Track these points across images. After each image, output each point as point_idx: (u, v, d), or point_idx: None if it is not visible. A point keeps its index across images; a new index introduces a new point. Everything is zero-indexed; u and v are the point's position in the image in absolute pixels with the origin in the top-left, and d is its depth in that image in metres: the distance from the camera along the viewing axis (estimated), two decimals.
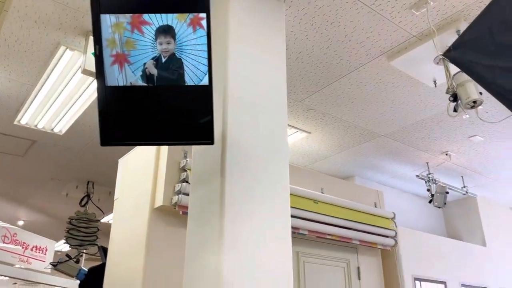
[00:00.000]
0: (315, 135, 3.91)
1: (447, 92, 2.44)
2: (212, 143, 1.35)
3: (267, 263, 1.61)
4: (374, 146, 4.00)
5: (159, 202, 2.58)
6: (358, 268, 3.76)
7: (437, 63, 2.62)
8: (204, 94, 1.25)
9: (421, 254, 4.20)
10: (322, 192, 3.63)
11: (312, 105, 3.35)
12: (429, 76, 2.82)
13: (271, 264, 1.62)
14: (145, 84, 1.24)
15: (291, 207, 3.24)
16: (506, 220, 5.56)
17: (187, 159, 2.67)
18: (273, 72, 1.96)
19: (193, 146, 1.88)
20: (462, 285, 4.44)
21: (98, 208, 4.56)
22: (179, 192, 2.57)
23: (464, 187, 4.53)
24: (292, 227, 3.25)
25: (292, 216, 3.26)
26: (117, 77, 1.25)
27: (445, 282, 4.26)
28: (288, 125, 3.68)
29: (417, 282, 4.02)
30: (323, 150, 4.17)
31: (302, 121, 3.64)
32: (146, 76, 1.23)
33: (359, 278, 3.73)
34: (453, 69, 2.45)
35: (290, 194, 3.26)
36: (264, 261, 1.60)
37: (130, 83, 1.24)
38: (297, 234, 3.30)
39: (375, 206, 4.02)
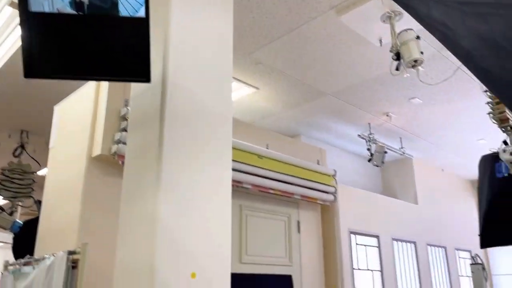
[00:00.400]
0: (263, 91, 3.88)
1: (391, 51, 2.49)
2: (148, 81, 1.28)
3: (204, 209, 1.60)
4: (320, 104, 4.05)
5: (97, 151, 2.48)
6: (298, 222, 3.90)
7: (384, 21, 2.65)
8: (140, 27, 1.17)
9: (358, 210, 4.41)
10: (267, 148, 3.66)
11: (260, 58, 3.31)
12: (375, 35, 2.86)
13: (209, 210, 1.61)
14: (75, 12, 1.13)
15: (235, 161, 3.25)
16: (438, 181, 5.96)
17: (128, 107, 2.56)
18: (219, 19, 1.88)
19: (132, 90, 1.79)
20: (393, 239, 4.75)
21: (34, 159, 4.33)
22: (118, 142, 2.48)
23: (402, 148, 4.76)
24: (236, 181, 3.27)
25: (236, 170, 3.27)
26: (42, 2, 1.13)
27: (378, 236, 4.53)
28: (236, 79, 3.62)
29: (352, 236, 4.24)
30: (270, 107, 4.18)
31: (250, 75, 3.60)
32: (76, 2, 1.13)
33: (298, 232, 3.87)
34: (399, 27, 2.49)
35: (235, 148, 3.24)
36: (202, 207, 1.59)
37: (57, 9, 1.13)
38: (240, 188, 3.33)
39: (318, 164, 4.13)
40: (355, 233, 4.28)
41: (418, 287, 4.88)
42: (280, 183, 3.58)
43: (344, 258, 4.02)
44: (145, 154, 1.60)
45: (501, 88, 1.07)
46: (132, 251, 1.54)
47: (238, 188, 3.34)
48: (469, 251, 6.03)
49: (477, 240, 3.08)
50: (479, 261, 3.30)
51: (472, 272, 3.31)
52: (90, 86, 2.68)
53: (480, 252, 6.25)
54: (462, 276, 5.76)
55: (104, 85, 2.59)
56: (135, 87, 1.76)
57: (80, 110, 2.71)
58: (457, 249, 5.81)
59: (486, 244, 3.06)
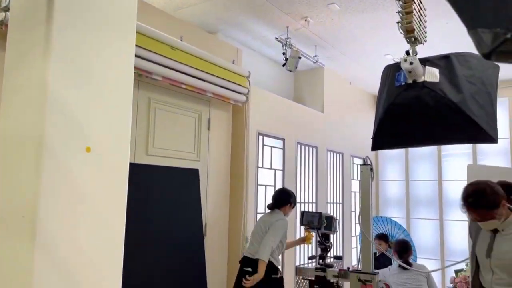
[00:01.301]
0: None
1: None
2: None
3: (102, 85, 1.50)
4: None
5: None
6: (209, 120, 3.92)
7: None
8: None
9: (268, 113, 4.54)
10: (181, 40, 3.49)
11: None
12: None
13: (107, 87, 1.52)
14: None
15: (144, 49, 3.05)
16: (344, 93, 6.29)
17: None
18: None
19: None
20: (298, 142, 5.04)
21: None
22: (6, 9, 2.17)
23: (316, 56, 4.85)
24: (145, 71, 3.12)
25: (146, 59, 3.10)
26: None
27: (284, 138, 4.76)
28: None
29: (260, 137, 4.41)
30: None
31: None
32: None
33: (208, 129, 3.91)
34: None
35: (145, 36, 3.03)
36: (100, 82, 1.49)
37: None
38: (150, 79, 3.20)
39: (233, 63, 4.07)
40: (263, 135, 4.44)
41: (314, 186, 5.35)
42: (192, 78, 3.50)
43: (250, 157, 4.20)
44: (32, 16, 1.41)
45: None
46: (17, 122, 1.42)
47: (147, 79, 3.20)
48: (362, 158, 6.67)
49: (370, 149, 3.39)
50: (369, 163, 3.66)
51: (361, 171, 3.68)
52: None
53: (373, 160, 6.95)
54: (353, 179, 6.42)
55: None
56: None
57: None
58: (353, 156, 6.38)
59: (376, 147, 3.37)
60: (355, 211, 6.40)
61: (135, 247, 2.90)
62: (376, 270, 4.68)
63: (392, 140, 3.30)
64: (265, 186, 4.45)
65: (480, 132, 2.83)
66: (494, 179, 4.20)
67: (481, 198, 2.17)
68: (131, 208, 3.03)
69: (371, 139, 3.33)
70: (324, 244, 3.80)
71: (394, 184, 7.03)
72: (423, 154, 6.82)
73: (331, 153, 5.78)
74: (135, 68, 3.02)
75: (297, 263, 4.88)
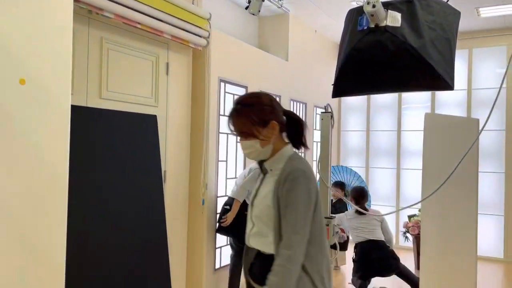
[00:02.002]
0: None
1: None
2: None
3: (37, 16, 1.35)
4: None
5: None
6: (167, 63, 3.76)
7: None
8: None
9: (230, 59, 4.41)
10: None
11: None
12: None
13: (42, 19, 1.38)
14: None
15: None
16: (310, 41, 6.19)
17: None
18: None
19: None
20: (261, 90, 4.97)
21: None
22: None
23: (280, 0, 4.69)
24: (96, 7, 2.89)
25: None
26: None
27: (246, 86, 4.68)
28: None
29: (222, 84, 4.30)
30: None
31: None
32: None
33: (167, 74, 3.76)
34: None
35: None
36: (32, 12, 1.34)
37: None
38: (100, 16, 2.98)
39: (193, 3, 3.87)
40: (225, 82, 4.33)
41: None
42: (149, 18, 3.30)
43: (211, 104, 4.10)
44: None
45: None
46: None
47: (98, 16, 2.99)
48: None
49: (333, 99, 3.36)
50: (329, 110, 3.66)
51: (321, 119, 3.68)
52: None
53: (335, 111, 7.00)
54: (316, 130, 6.48)
55: None
56: None
57: None
58: (316, 106, 6.40)
59: (337, 93, 3.35)
60: (317, 161, 6.51)
61: (89, 194, 2.83)
62: (333, 215, 4.84)
63: (353, 87, 3.29)
64: (227, 134, 4.40)
65: (438, 78, 2.85)
66: (451, 128, 4.34)
67: (249, 105, 1.72)
68: (85, 154, 2.94)
69: (332, 86, 3.30)
70: None
71: (356, 135, 7.16)
72: (384, 105, 6.93)
73: (295, 103, 5.76)
74: (84, 3, 2.80)
75: None
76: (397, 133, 6.77)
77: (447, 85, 2.94)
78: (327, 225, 3.53)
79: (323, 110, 3.72)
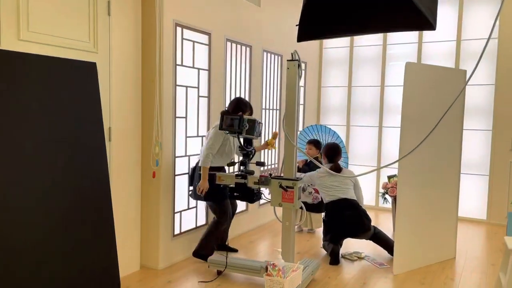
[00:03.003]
0: None
1: None
2: None
3: None
4: None
5: None
6: (109, 2, 3.22)
7: None
8: None
9: (188, 1, 3.86)
10: None
11: None
12: None
13: None
14: None
15: None
16: None
17: None
18: None
19: None
20: (228, 39, 4.45)
21: None
22: None
23: None
24: None
25: None
26: None
27: (210, 33, 4.15)
28: None
29: (179, 29, 3.77)
30: None
31: None
32: None
33: (109, 14, 3.23)
34: None
35: None
36: None
37: None
38: None
39: None
40: (182, 26, 3.80)
41: (248, 90, 4.89)
42: None
43: (165, 52, 3.60)
44: None
45: None
46: None
47: None
48: (305, 63, 6.21)
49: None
50: (296, 58, 3.19)
51: (287, 68, 3.22)
52: None
53: (315, 65, 6.51)
54: None
55: None
56: None
57: None
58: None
59: (303, 36, 2.88)
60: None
61: (11, 156, 2.38)
62: (303, 174, 4.48)
63: (322, 27, 2.81)
64: (186, 87, 3.93)
65: (419, 16, 2.39)
66: (435, 79, 3.90)
67: None
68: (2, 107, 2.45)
69: (297, 27, 2.82)
70: (246, 150, 3.44)
71: (337, 91, 6.71)
72: (367, 58, 6.45)
73: (269, 54, 5.25)
74: None
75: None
76: (380, 88, 6.34)
77: (429, 25, 2.49)
78: (292, 187, 3.16)
79: (290, 58, 3.25)
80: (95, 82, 3.02)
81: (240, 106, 3.78)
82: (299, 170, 4.96)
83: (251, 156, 3.47)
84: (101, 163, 2.95)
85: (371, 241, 4.10)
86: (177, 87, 3.78)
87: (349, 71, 6.57)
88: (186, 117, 3.94)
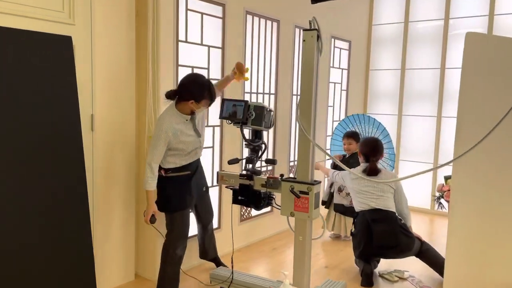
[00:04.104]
0: None
1: None
2: None
3: None
4: None
5: None
6: None
7: None
8: None
9: None
10: None
11: None
12: None
13: None
14: None
15: None
16: None
17: None
18: None
19: None
20: (248, 11, 3.79)
21: None
22: None
23: None
24: None
25: None
26: None
27: (224, 4, 3.51)
28: None
29: None
30: None
31: None
32: None
33: None
34: None
35: None
36: None
37: None
38: None
39: None
40: None
41: (274, 72, 4.21)
42: None
43: (162, 24, 3.02)
44: None
45: None
46: None
47: None
48: (349, 41, 5.38)
49: None
50: (315, 26, 2.46)
51: (303, 40, 2.51)
52: None
53: (364, 45, 5.65)
54: (334, 67, 5.23)
55: None
56: None
57: None
58: (334, 37, 5.10)
59: None
60: (333, 106, 5.31)
61: None
62: (336, 172, 3.75)
63: None
64: (192, 67, 3.33)
65: None
66: (503, 54, 2.97)
67: None
68: None
69: None
70: (251, 144, 2.78)
71: (388, 75, 5.80)
72: (425, 36, 5.46)
73: (301, 31, 4.51)
74: None
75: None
76: (440, 71, 5.35)
77: None
78: (307, 193, 2.47)
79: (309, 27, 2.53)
80: (70, 60, 2.51)
81: (194, 88, 2.65)
82: (335, 167, 4.23)
83: (260, 152, 2.81)
84: (77, 157, 2.45)
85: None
86: (179, 67, 3.19)
87: (403, 51, 5.63)
88: None
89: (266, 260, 3.70)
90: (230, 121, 2.75)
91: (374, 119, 4.45)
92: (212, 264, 3.38)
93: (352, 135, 4.18)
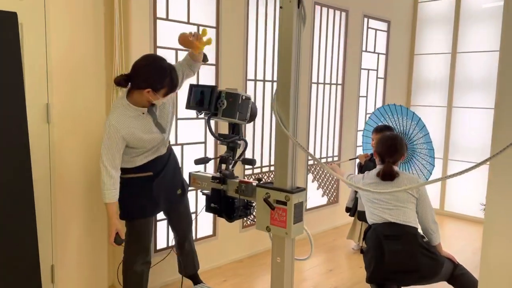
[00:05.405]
0: None
1: None
2: None
3: None
4: None
5: None
6: None
7: None
8: None
9: None
10: None
11: None
12: None
13: None
14: None
15: None
16: None
17: None
18: None
19: None
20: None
21: None
22: None
23: None
24: None
25: None
26: None
27: None
28: None
29: None
30: None
31: None
32: None
33: None
34: None
35: None
36: None
37: None
38: None
39: None
40: None
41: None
42: None
43: (136, 1, 2.59)
44: None
45: None
46: None
47: None
48: (387, 21, 4.64)
49: None
50: None
51: (280, 7, 1.93)
52: None
53: (408, 26, 4.87)
54: (368, 51, 4.54)
55: None
56: None
57: None
58: (367, 16, 4.39)
59: None
60: (366, 97, 4.62)
61: None
62: (351, 175, 3.13)
63: None
64: (176, 49, 2.87)
65: None
66: None
67: None
68: None
69: None
70: (225, 140, 2.27)
71: (436, 60, 4.98)
72: (481, 14, 4.58)
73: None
74: None
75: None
76: (499, 54, 4.44)
77: None
78: (285, 203, 1.92)
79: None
80: (14, 39, 2.15)
81: (152, 74, 2.15)
82: (361, 168, 3.59)
83: (238, 149, 2.29)
84: (21, 153, 2.09)
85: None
86: (158, 49, 2.75)
87: (453, 32, 4.78)
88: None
89: (265, 277, 3.16)
90: (200, 112, 2.25)
91: (407, 108, 3.71)
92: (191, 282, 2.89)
93: (382, 130, 3.49)
